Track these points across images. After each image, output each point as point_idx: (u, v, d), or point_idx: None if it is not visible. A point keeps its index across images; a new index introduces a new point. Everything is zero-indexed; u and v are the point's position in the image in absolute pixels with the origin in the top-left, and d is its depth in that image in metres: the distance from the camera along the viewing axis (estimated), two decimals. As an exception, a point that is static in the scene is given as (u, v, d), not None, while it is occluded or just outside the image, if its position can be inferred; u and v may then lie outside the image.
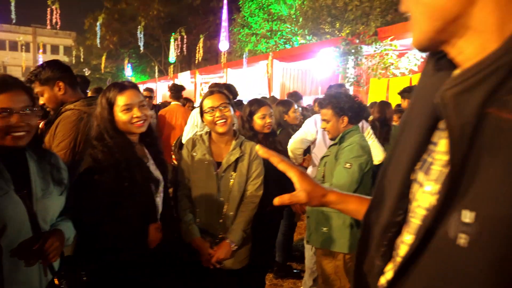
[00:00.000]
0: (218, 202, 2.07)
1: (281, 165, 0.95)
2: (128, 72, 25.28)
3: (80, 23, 28.70)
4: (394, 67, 7.61)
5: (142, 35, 17.28)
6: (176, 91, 5.22)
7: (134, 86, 1.86)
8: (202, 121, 2.18)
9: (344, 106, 2.35)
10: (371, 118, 3.98)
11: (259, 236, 2.32)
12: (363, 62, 8.28)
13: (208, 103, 2.10)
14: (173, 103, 5.23)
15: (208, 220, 2.08)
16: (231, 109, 2.11)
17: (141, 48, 17.78)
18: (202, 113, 2.15)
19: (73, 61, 27.62)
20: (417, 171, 0.67)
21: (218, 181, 2.07)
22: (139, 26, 17.44)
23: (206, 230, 2.07)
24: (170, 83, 17.52)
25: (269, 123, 2.75)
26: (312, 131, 3.33)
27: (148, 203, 1.82)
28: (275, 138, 2.88)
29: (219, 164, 2.10)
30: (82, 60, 27.49)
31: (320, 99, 2.53)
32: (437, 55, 0.66)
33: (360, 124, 3.26)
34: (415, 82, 6.96)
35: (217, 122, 2.06)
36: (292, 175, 0.94)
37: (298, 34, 14.27)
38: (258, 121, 2.74)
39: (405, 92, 4.74)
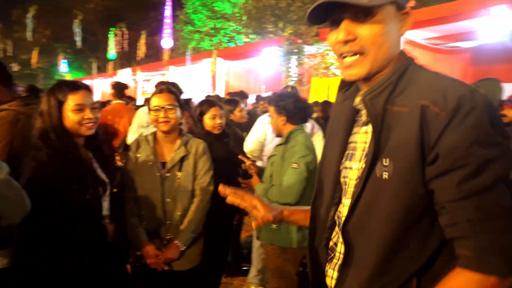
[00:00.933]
0: (164, 203, 2.03)
1: (246, 197, 1.22)
2: (63, 68, 23.82)
3: (6, 13, 26.45)
4: (334, 67, 7.93)
5: (79, 30, 16.37)
6: (120, 89, 5.00)
7: (87, 88, 1.81)
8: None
9: (281, 106, 2.44)
10: (315, 115, 4.12)
11: (213, 234, 2.32)
12: (305, 61, 8.52)
13: (155, 101, 2.07)
14: (116, 101, 5.01)
15: (155, 222, 2.03)
16: (178, 110, 2.09)
17: (79, 43, 16.85)
18: (149, 110, 2.12)
19: (-1, 55, 25.51)
20: (344, 162, 1.03)
21: (163, 182, 2.04)
22: (75, 20, 16.50)
23: (154, 233, 2.03)
24: (110, 80, 16.88)
25: (219, 124, 2.74)
26: (260, 132, 3.39)
27: (96, 206, 1.77)
28: (228, 139, 2.87)
29: (164, 164, 2.07)
30: (10, 54, 25.44)
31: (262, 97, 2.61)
32: (343, 89, 1.07)
33: (310, 126, 3.38)
34: (354, 82, 7.33)
35: (161, 122, 2.05)
36: (256, 202, 1.20)
37: (241, 33, 14.35)
38: (208, 121, 2.73)
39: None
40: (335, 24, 0.93)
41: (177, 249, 2.00)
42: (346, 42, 0.90)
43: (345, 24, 0.90)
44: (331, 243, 1.05)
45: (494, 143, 0.81)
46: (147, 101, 2.18)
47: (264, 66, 10.10)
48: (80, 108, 1.71)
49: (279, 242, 2.39)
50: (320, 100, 6.25)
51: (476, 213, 0.80)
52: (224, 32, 15.30)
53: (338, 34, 0.91)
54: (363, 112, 0.99)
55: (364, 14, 0.89)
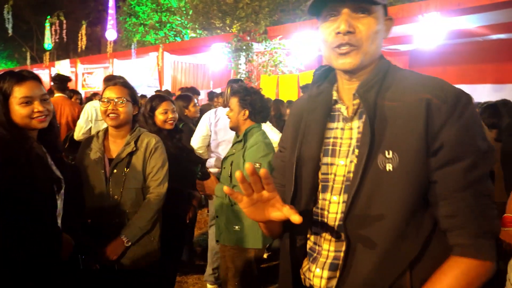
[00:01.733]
0: (112, 201, 1.98)
1: (270, 187, 0.93)
2: (-10, 57, 21.91)
3: None
4: (283, 65, 8.09)
5: (10, 16, 15.11)
6: (61, 82, 4.73)
7: (35, 77, 1.67)
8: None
9: (247, 100, 2.41)
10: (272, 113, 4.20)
11: (167, 232, 2.29)
12: (254, 58, 8.59)
13: (106, 93, 2.03)
14: (57, 95, 4.73)
15: (102, 220, 1.98)
16: (129, 105, 2.04)
17: (9, 31, 15.55)
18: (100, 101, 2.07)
19: None
20: (323, 158, 1.03)
21: (108, 178, 1.99)
22: (5, 5, 15.20)
23: (101, 231, 1.97)
24: (46, 72, 15.81)
25: (171, 119, 2.70)
26: (204, 128, 3.39)
27: (51, 204, 1.65)
28: (181, 135, 2.84)
29: (111, 161, 2.03)
30: None
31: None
32: (317, 84, 1.11)
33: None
34: (302, 79, 7.48)
35: (109, 115, 2.00)
36: (276, 201, 0.93)
37: (188, 27, 14.10)
38: (159, 116, 2.68)
39: (302, 88, 5.11)
40: (332, 16, 0.97)
41: (122, 244, 1.95)
42: (346, 33, 0.94)
43: (346, 16, 0.94)
44: (309, 243, 1.06)
45: (485, 136, 0.91)
46: (94, 95, 2.11)
47: (212, 62, 10.04)
48: (28, 101, 1.59)
49: (244, 243, 2.38)
50: (270, 96, 6.36)
51: (475, 202, 0.88)
52: (170, 26, 14.94)
53: (339, 24, 0.95)
54: (343, 108, 1.04)
55: (362, 10, 0.95)
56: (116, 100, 2.00)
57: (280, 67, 8.10)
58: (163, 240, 2.19)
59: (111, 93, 2.02)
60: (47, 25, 15.45)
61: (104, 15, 15.40)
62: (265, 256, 3.62)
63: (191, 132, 3.43)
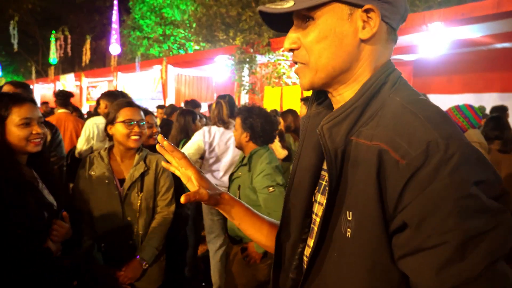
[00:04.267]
0: (125, 222, 1.93)
1: (183, 162, 0.98)
2: (-3, 72, 22.15)
3: None
4: (286, 76, 8.07)
5: (15, 32, 15.29)
6: (64, 97, 4.72)
7: (32, 100, 1.66)
8: (106, 130, 2.02)
9: (247, 123, 2.35)
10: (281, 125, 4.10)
11: (170, 252, 2.23)
12: (257, 70, 8.59)
13: (128, 114, 1.96)
14: (61, 111, 4.71)
15: (117, 244, 1.92)
16: (146, 127, 2.03)
17: (15, 46, 15.70)
18: (112, 122, 1.97)
19: None
20: (316, 194, 0.85)
21: (122, 199, 1.93)
22: (11, 21, 15.38)
23: (115, 255, 1.91)
24: (52, 86, 15.93)
25: (155, 133, 2.58)
26: (200, 143, 3.33)
27: (41, 232, 1.58)
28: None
29: (122, 182, 1.96)
30: None
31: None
32: (317, 101, 0.90)
33: None
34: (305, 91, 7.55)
35: (132, 137, 1.95)
36: (191, 173, 0.98)
37: (192, 40, 14.19)
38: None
39: (303, 101, 5.01)
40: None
41: (140, 266, 1.90)
42: (290, 50, 0.80)
43: (290, 32, 0.80)
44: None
45: (482, 208, 0.59)
46: (106, 115, 2.05)
47: (216, 74, 10.05)
48: (27, 122, 1.57)
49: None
50: (274, 108, 6.32)
51: None
52: (173, 39, 15.04)
53: (285, 42, 0.80)
54: None
55: (305, 19, 0.76)
56: (139, 122, 1.97)
57: (284, 79, 8.08)
58: (168, 259, 2.15)
59: (134, 115, 1.97)
60: (52, 40, 15.62)
61: (108, 29, 15.53)
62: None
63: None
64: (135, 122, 1.96)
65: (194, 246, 3.49)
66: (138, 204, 1.96)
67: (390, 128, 0.67)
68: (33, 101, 1.66)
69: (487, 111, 6.00)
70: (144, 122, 2.00)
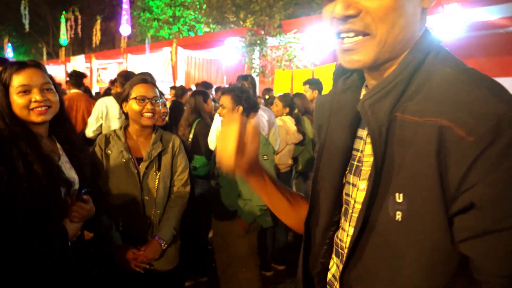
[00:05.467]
0: (144, 202, 1.92)
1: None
2: (9, 53, 22.26)
3: None
4: (297, 59, 7.97)
5: (26, 12, 15.26)
6: (77, 78, 4.72)
7: (37, 65, 1.54)
8: (121, 108, 2.00)
9: (242, 97, 2.49)
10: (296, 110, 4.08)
11: (189, 234, 2.26)
12: (268, 53, 8.50)
13: (141, 91, 1.92)
14: (73, 90, 4.72)
15: (134, 223, 1.92)
16: (160, 104, 2.00)
17: (26, 27, 15.71)
18: (126, 99, 1.95)
19: None
20: (348, 175, 0.80)
21: (140, 179, 1.92)
22: (22, 1, 15.34)
23: (133, 233, 1.92)
24: (62, 67, 15.98)
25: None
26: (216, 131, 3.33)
27: (55, 210, 1.48)
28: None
29: (139, 160, 1.95)
30: None
31: (224, 88, 2.66)
32: (344, 75, 0.83)
33: (267, 117, 3.35)
34: (317, 74, 7.37)
35: (145, 114, 1.91)
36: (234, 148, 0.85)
37: (202, 22, 14.06)
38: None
39: (309, 83, 4.95)
40: None
41: (159, 247, 1.90)
42: (345, 18, 0.67)
43: None
44: (329, 275, 0.85)
45: None
46: (116, 93, 2.04)
47: (226, 57, 9.97)
48: (25, 90, 1.45)
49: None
50: (285, 91, 6.27)
51: None
52: (183, 20, 14.91)
53: (334, 6, 0.68)
54: None
55: None
56: (153, 100, 1.93)
57: (295, 62, 7.99)
58: (185, 239, 2.18)
59: (147, 92, 1.92)
60: (63, 20, 15.59)
61: (118, 10, 15.43)
62: (268, 274, 3.55)
63: (206, 127, 3.38)
64: (148, 99, 1.92)
65: (205, 228, 3.51)
66: (156, 184, 1.95)
67: (448, 101, 0.61)
68: (38, 66, 1.53)
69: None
70: (159, 100, 1.97)
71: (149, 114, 1.92)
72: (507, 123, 0.56)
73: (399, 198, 0.64)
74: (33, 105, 1.46)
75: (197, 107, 3.48)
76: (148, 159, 1.94)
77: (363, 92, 0.80)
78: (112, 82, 5.15)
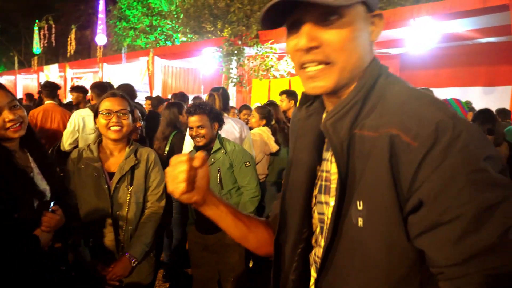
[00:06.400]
0: (115, 217, 1.89)
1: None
2: (-22, 62, 21.55)
3: None
4: (274, 69, 8.04)
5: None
6: (52, 88, 4.61)
7: (0, 87, 1.60)
8: (95, 123, 1.99)
9: (216, 113, 2.57)
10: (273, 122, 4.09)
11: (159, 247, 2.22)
12: (245, 63, 8.54)
13: (107, 105, 1.91)
14: (48, 102, 4.60)
15: (104, 239, 1.88)
16: (130, 117, 1.97)
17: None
18: (96, 114, 1.95)
19: None
20: (318, 195, 0.85)
21: (111, 194, 1.89)
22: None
23: (104, 249, 1.88)
24: (35, 76, 15.57)
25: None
26: (190, 144, 3.29)
27: (28, 220, 1.54)
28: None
29: (111, 175, 1.92)
30: None
31: (188, 107, 2.61)
32: (306, 104, 0.91)
33: (238, 129, 3.33)
34: (294, 83, 7.45)
35: (111, 128, 1.89)
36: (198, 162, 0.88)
37: (179, 31, 14.02)
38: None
39: (286, 94, 4.97)
40: (294, 27, 0.77)
41: (129, 264, 1.87)
42: (308, 49, 0.74)
43: (307, 28, 0.74)
44: None
45: (493, 181, 0.62)
46: (91, 105, 2.01)
47: (203, 67, 9.97)
48: None
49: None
50: (262, 101, 6.30)
51: (485, 280, 0.60)
52: (160, 30, 14.84)
53: (298, 40, 0.75)
54: None
55: (329, 16, 0.73)
56: (119, 113, 1.91)
57: (272, 71, 8.05)
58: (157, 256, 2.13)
59: (113, 105, 1.91)
60: (36, 29, 15.23)
61: (94, 18, 15.25)
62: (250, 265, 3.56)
63: (183, 139, 3.35)
64: (113, 112, 1.89)
65: (180, 239, 3.47)
66: (128, 198, 1.92)
67: (397, 114, 0.70)
68: (1, 87, 1.59)
69: (473, 105, 6.07)
70: (126, 113, 1.93)
71: (115, 128, 1.89)
72: (444, 127, 0.64)
73: (360, 205, 0.71)
74: (7, 125, 1.55)
75: (172, 119, 3.46)
76: (119, 174, 1.91)
77: (324, 116, 0.87)
78: (72, 89, 5.06)
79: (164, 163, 2.61)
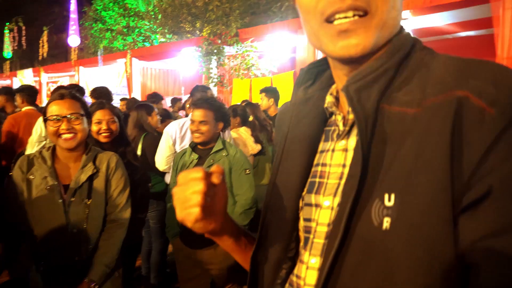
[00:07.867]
0: (72, 235, 1.67)
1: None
2: None
3: None
4: (255, 68, 7.88)
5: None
6: (32, 93, 4.32)
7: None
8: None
9: (224, 113, 2.40)
10: (251, 118, 3.89)
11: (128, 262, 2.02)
12: (225, 62, 8.36)
13: (54, 109, 1.67)
14: (27, 108, 4.27)
15: (59, 261, 1.66)
16: (85, 120, 1.74)
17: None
18: (45, 121, 1.71)
19: None
20: (306, 196, 0.67)
21: (67, 209, 1.67)
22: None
23: (58, 273, 1.66)
24: (8, 82, 15.01)
25: (105, 130, 2.33)
26: (167, 148, 3.09)
27: None
28: (127, 149, 2.44)
29: (67, 187, 1.70)
30: None
31: (196, 99, 2.47)
32: (305, 84, 0.73)
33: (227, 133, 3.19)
34: (275, 82, 7.31)
35: (62, 136, 1.67)
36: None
37: (157, 32, 13.71)
38: (93, 127, 2.34)
39: (265, 91, 4.77)
40: None
41: None
42: None
43: None
44: None
45: None
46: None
47: (183, 67, 9.74)
48: None
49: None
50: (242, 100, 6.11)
51: None
52: (138, 31, 14.49)
53: None
54: (339, 119, 0.66)
55: None
56: (69, 116, 1.67)
57: (253, 70, 7.89)
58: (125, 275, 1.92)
59: (61, 109, 1.67)
60: (6, 32, 14.68)
61: (68, 20, 14.80)
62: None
63: (154, 142, 3.15)
64: (62, 117, 1.67)
65: (160, 251, 3.26)
66: (86, 213, 1.70)
67: (457, 74, 0.52)
68: None
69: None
70: (78, 117, 1.71)
71: (67, 136, 1.67)
72: None
73: (389, 200, 0.52)
74: None
75: (139, 121, 3.25)
76: (75, 186, 1.69)
77: (329, 99, 0.68)
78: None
79: (141, 164, 2.42)
